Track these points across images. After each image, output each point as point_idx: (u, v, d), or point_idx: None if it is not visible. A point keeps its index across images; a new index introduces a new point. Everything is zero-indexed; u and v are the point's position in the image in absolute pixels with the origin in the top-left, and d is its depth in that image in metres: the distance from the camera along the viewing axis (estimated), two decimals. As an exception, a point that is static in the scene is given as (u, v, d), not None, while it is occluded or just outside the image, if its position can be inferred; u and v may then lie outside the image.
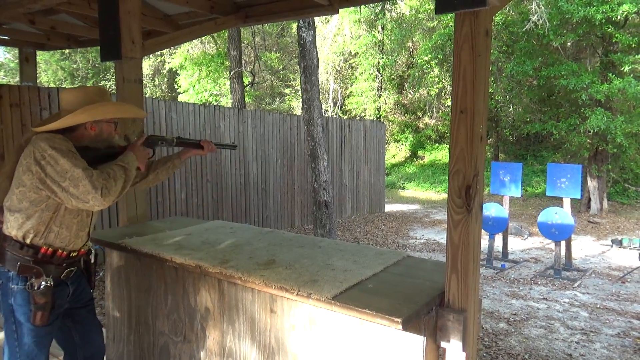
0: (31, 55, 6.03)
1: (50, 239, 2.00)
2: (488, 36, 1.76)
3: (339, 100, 21.30)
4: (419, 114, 21.94)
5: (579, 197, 6.87)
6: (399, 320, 1.59)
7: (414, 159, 20.73)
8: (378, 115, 20.71)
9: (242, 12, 3.92)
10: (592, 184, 12.01)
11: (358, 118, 20.29)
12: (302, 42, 7.01)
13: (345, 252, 2.39)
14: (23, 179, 1.91)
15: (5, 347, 2.06)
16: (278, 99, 22.81)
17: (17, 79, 20.60)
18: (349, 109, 21.79)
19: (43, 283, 1.97)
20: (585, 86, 10.91)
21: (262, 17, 3.94)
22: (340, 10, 3.83)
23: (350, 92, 21.63)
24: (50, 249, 2.01)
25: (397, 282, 1.96)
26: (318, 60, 7.20)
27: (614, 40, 11.25)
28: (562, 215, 6.59)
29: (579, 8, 10.53)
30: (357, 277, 1.98)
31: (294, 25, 18.79)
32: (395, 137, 21.90)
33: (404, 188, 17.84)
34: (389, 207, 12.91)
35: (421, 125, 21.71)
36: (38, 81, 6.15)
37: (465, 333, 1.78)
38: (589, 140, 11.76)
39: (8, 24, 5.11)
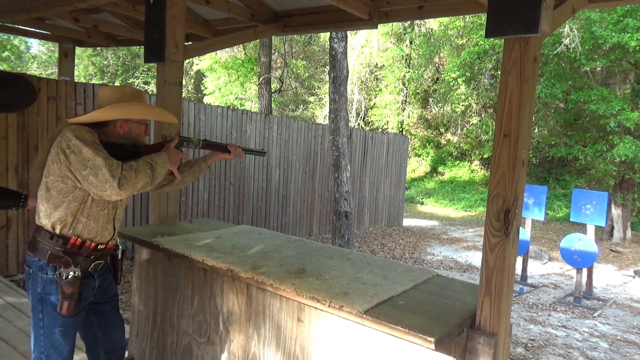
0: (70, 51, 6.19)
1: (79, 229, 2.04)
2: (536, 62, 1.77)
3: (362, 112, 21.31)
4: (442, 130, 21.83)
5: (603, 224, 6.75)
6: (432, 339, 1.59)
7: (434, 174, 20.62)
8: (401, 129, 20.67)
9: (281, 22, 3.98)
10: (616, 212, 11.77)
11: (380, 130, 20.26)
12: (334, 52, 7.03)
13: (374, 266, 2.39)
14: (52, 168, 1.98)
15: (32, 335, 2.11)
16: (302, 107, 22.93)
17: (49, 71, 21.17)
18: (372, 121, 21.79)
19: (71, 273, 2.01)
20: (614, 113, 10.74)
21: (299, 28, 3.98)
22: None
23: (374, 104, 21.63)
24: (79, 239, 2.05)
25: (428, 301, 1.96)
26: (348, 72, 7.23)
27: (646, 68, 11.10)
28: (585, 242, 6.48)
29: (613, 34, 10.41)
30: (388, 293, 1.98)
31: (322, 34, 18.92)
32: (417, 151, 21.82)
33: (422, 203, 17.73)
34: (406, 222, 12.83)
35: (443, 142, 21.59)
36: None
37: (495, 357, 1.77)
38: (615, 168, 11.55)
39: (51, 20, 5.26)
